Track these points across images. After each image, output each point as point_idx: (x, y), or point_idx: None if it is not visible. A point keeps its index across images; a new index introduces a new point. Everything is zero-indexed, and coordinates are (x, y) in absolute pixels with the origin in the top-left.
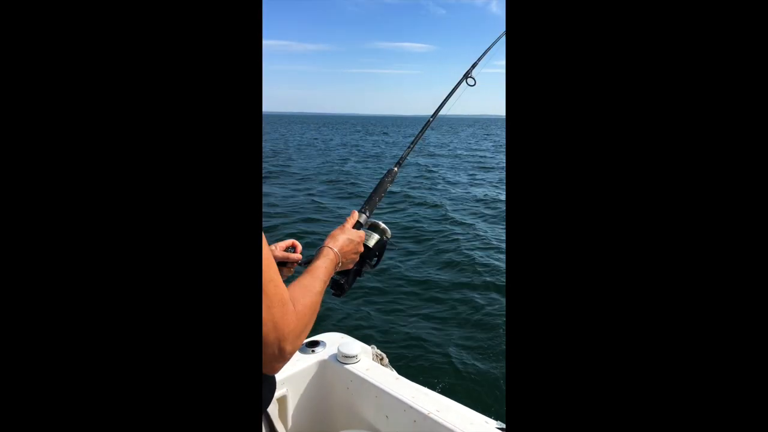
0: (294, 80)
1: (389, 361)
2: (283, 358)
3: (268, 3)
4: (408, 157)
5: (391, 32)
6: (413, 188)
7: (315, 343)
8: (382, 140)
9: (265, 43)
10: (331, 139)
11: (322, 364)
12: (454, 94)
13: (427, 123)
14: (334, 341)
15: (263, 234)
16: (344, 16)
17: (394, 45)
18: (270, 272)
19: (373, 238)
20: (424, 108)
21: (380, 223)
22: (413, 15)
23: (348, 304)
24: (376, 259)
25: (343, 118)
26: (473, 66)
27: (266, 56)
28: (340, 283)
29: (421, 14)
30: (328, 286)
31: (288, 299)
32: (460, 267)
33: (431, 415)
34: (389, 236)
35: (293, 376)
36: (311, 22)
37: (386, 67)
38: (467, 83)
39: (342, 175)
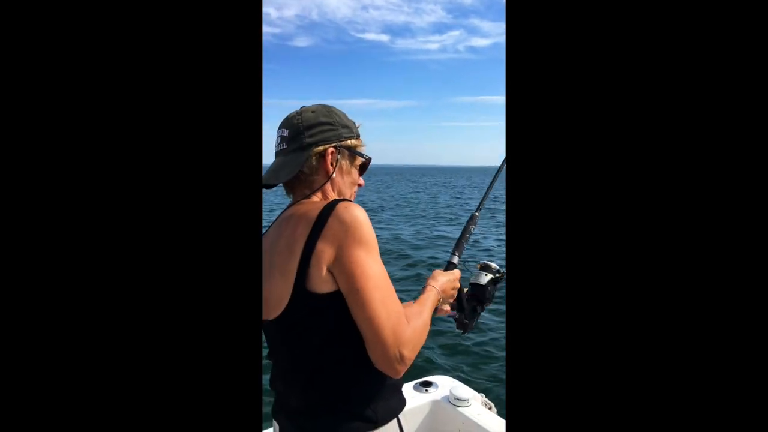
0: (378, 134)
1: (497, 412)
2: (403, 362)
3: (355, 67)
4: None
5: (473, 87)
6: None
7: (428, 383)
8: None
9: (350, 102)
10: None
11: (435, 404)
12: None
13: (500, 168)
14: (446, 384)
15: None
16: (427, 75)
17: (476, 99)
18: (391, 290)
19: (486, 277)
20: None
21: (489, 263)
22: (494, 69)
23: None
24: (490, 296)
25: (423, 169)
26: None
27: (351, 114)
28: (464, 322)
29: (501, 67)
30: (455, 324)
31: (403, 314)
32: None
33: None
34: (502, 273)
35: (408, 411)
36: (398, 81)
37: (469, 121)
38: None
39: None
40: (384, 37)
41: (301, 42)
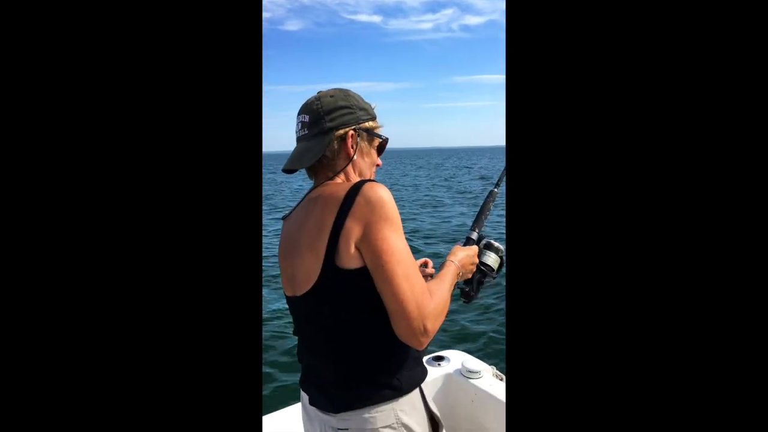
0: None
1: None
2: (426, 334)
3: (349, 50)
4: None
5: (467, 66)
6: None
7: (440, 358)
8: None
9: (348, 85)
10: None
11: (448, 377)
12: None
13: None
14: (457, 358)
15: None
16: (422, 56)
17: (471, 78)
18: (414, 266)
19: (491, 256)
20: (502, 138)
21: (493, 242)
22: (489, 47)
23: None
24: (495, 272)
25: (419, 151)
26: None
27: None
28: (467, 292)
29: (497, 46)
30: (457, 294)
31: (427, 289)
32: None
33: None
34: (503, 252)
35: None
36: (392, 63)
37: (464, 101)
38: None
39: None
40: (376, 18)
41: (293, 26)
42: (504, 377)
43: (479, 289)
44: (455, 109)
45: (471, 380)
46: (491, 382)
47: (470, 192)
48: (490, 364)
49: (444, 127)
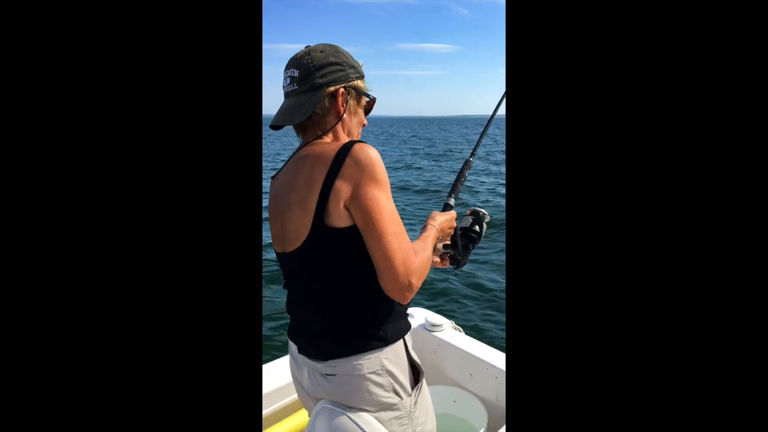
0: None
1: (465, 334)
2: (410, 289)
3: (292, 8)
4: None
5: (414, 34)
6: None
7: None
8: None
9: (285, 47)
10: None
11: (413, 331)
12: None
13: (492, 115)
14: (421, 314)
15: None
16: (367, 20)
17: (417, 46)
18: (401, 225)
19: (474, 221)
20: (450, 108)
21: (479, 209)
22: (436, 16)
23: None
24: (477, 236)
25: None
26: None
27: (285, 59)
28: (457, 258)
29: (444, 15)
30: (448, 262)
31: (412, 248)
32: None
33: None
34: (487, 219)
35: None
36: (335, 26)
37: (409, 69)
38: None
39: None
40: None
41: None
42: (461, 329)
43: (467, 254)
44: (401, 77)
45: (433, 333)
46: (452, 334)
47: (406, 162)
48: (450, 319)
49: (390, 96)
